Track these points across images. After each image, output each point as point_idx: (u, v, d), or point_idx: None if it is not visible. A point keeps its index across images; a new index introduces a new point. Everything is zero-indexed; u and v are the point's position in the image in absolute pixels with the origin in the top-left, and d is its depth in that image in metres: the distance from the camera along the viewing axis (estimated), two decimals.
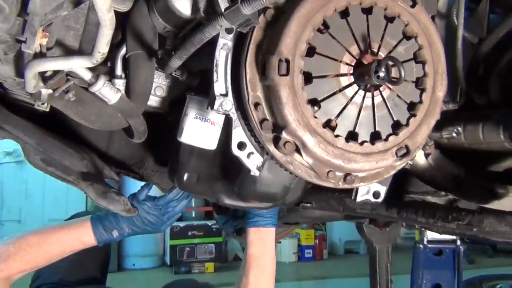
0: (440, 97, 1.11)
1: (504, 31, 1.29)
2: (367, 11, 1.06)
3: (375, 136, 1.07)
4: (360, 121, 1.06)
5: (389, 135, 1.07)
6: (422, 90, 1.09)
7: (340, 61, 1.04)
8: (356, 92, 1.05)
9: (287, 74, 1.00)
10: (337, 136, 1.04)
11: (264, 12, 1.06)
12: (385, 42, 1.07)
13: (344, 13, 1.05)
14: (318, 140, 1.03)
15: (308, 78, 1.02)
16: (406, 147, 1.10)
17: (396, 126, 1.08)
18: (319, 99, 1.03)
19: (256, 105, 1.07)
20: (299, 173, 1.12)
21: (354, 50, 1.05)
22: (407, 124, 1.08)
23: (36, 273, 2.27)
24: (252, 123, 1.08)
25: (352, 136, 1.05)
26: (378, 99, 1.07)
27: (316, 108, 1.03)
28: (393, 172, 1.19)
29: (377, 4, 1.06)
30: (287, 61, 1.00)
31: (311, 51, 1.02)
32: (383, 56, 1.06)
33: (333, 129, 1.03)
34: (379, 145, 1.06)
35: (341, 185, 1.13)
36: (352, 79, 1.05)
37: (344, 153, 1.05)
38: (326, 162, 1.07)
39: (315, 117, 1.02)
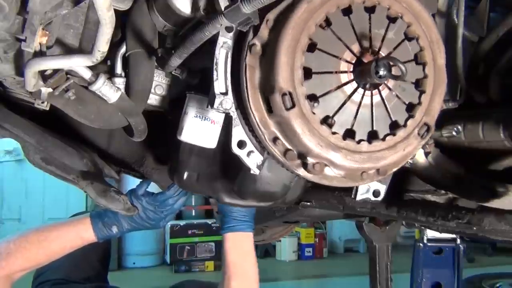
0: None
1: (504, 30, 1.29)
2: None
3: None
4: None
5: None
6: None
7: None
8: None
9: (293, 106, 1.00)
10: (359, 141, 1.05)
11: (250, 49, 1.05)
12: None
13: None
14: (343, 154, 1.05)
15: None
16: (426, 124, 1.11)
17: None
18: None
19: (275, 140, 1.08)
20: (334, 183, 1.14)
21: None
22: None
23: (37, 271, 2.27)
24: (276, 155, 1.10)
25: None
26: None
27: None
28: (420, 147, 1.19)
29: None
30: (290, 93, 1.00)
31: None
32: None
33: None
34: (401, 133, 1.07)
35: (377, 179, 1.18)
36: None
37: (371, 155, 1.07)
38: (357, 169, 1.10)
39: (334, 133, 1.03)
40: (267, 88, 1.04)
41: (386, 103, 1.07)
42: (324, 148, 1.04)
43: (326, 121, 1.03)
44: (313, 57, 1.03)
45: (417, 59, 1.10)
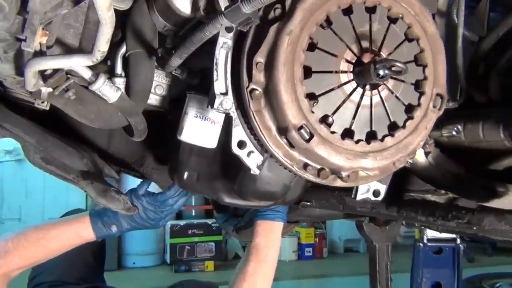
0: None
1: (504, 30, 1.29)
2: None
3: (394, 127, 1.09)
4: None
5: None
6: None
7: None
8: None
9: (312, 136, 1.02)
10: (382, 139, 1.06)
11: (251, 95, 1.05)
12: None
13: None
14: (372, 157, 1.07)
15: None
16: (439, 95, 1.13)
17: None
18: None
19: (305, 166, 1.11)
20: (371, 180, 1.19)
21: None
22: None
23: (33, 272, 2.26)
24: (310, 178, 1.13)
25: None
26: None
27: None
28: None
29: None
30: (304, 125, 1.02)
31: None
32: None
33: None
34: (418, 113, 1.09)
35: (409, 160, 1.21)
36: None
37: (398, 146, 1.09)
38: (389, 164, 1.12)
39: (357, 142, 1.05)
40: (281, 128, 1.06)
41: (394, 92, 1.08)
42: (353, 159, 1.06)
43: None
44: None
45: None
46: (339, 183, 1.14)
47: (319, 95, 1.03)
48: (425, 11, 1.12)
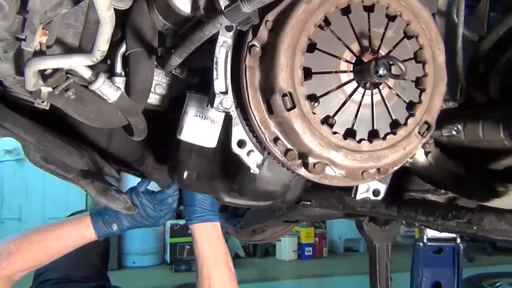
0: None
1: (504, 29, 1.29)
2: (369, 9, 1.06)
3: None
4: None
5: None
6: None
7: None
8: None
9: (294, 106, 1.01)
10: (360, 140, 1.05)
11: (250, 50, 1.05)
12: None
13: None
14: (344, 153, 1.06)
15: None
16: (427, 122, 1.12)
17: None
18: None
19: (276, 140, 1.08)
20: (335, 183, 1.14)
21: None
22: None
23: (38, 270, 2.27)
24: (277, 155, 1.10)
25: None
26: (377, 97, 1.07)
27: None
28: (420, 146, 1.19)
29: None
30: (290, 94, 1.01)
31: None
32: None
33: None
34: (401, 132, 1.08)
35: (378, 178, 1.18)
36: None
37: (372, 154, 1.07)
38: (358, 168, 1.11)
39: (335, 133, 1.03)
40: (267, 89, 1.04)
41: (386, 102, 1.07)
42: (325, 148, 1.04)
43: (327, 121, 1.04)
44: (313, 57, 1.03)
45: (417, 57, 1.10)
46: (302, 172, 1.11)
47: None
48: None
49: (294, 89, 1.01)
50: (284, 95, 1.01)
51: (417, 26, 1.09)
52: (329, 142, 1.04)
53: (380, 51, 1.06)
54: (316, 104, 1.03)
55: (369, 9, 1.06)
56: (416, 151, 1.18)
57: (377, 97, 1.07)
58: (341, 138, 1.04)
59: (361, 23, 1.06)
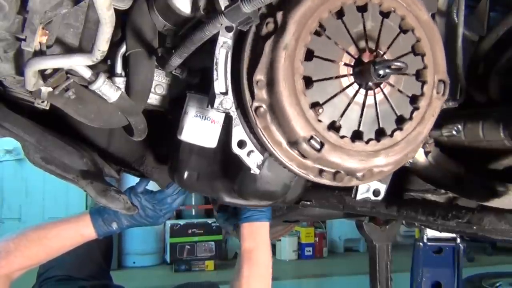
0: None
1: (504, 29, 1.29)
2: (362, 8, 1.06)
3: (401, 120, 1.08)
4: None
5: (394, 130, 1.07)
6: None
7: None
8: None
9: (322, 144, 1.03)
10: (392, 134, 1.06)
11: (256, 113, 1.05)
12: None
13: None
14: (384, 154, 1.08)
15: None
16: (441, 81, 1.13)
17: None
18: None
19: (321, 172, 1.12)
20: (387, 173, 1.19)
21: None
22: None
23: (42, 268, 2.28)
24: (327, 183, 1.13)
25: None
26: (379, 96, 1.07)
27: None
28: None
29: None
30: (313, 136, 1.02)
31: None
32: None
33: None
34: (422, 103, 1.09)
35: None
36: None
37: (408, 138, 1.09)
38: (402, 156, 1.13)
39: (367, 142, 1.05)
40: (291, 141, 1.06)
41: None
42: (365, 160, 1.07)
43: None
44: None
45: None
46: (354, 183, 1.15)
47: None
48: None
49: (314, 130, 1.02)
50: (309, 140, 1.02)
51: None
52: (367, 153, 1.06)
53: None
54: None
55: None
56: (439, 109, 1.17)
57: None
58: (375, 143, 1.05)
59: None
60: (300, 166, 1.11)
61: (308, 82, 1.02)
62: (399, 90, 1.08)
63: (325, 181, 1.13)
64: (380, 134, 1.07)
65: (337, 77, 1.03)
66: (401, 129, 1.07)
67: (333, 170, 1.11)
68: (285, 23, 1.01)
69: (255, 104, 1.04)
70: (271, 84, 1.02)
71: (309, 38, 1.01)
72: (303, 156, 1.08)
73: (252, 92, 1.04)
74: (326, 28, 1.03)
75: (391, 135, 1.07)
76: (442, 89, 1.13)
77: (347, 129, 1.05)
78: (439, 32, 1.14)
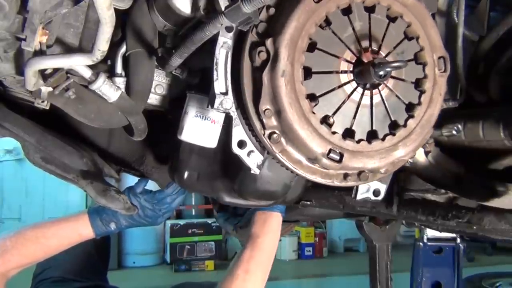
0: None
1: (504, 29, 1.29)
2: (370, 9, 1.06)
3: (410, 108, 1.09)
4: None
5: (386, 135, 1.08)
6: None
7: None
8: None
9: (342, 156, 1.05)
10: (405, 123, 1.07)
11: (270, 138, 1.07)
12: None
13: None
14: (402, 145, 1.09)
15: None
16: (441, 57, 1.13)
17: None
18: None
19: (345, 176, 1.15)
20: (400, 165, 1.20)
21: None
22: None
23: (38, 269, 2.28)
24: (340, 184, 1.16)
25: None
26: (377, 98, 1.07)
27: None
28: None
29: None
30: (331, 150, 1.04)
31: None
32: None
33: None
34: (427, 85, 1.10)
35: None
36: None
37: (421, 125, 1.10)
38: (420, 142, 1.14)
39: (383, 139, 1.06)
40: (311, 159, 1.08)
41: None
42: (386, 157, 1.08)
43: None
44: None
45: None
46: (379, 176, 1.17)
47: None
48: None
49: (331, 143, 1.03)
50: (328, 154, 1.03)
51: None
52: (386, 149, 1.08)
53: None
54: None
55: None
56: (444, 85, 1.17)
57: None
58: (391, 137, 1.06)
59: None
60: (324, 177, 1.14)
61: (313, 98, 1.03)
62: (401, 79, 1.09)
63: (351, 183, 1.15)
64: (394, 127, 1.08)
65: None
66: (412, 116, 1.08)
67: (356, 171, 1.13)
68: (277, 49, 1.01)
69: (267, 132, 1.06)
70: (278, 112, 1.03)
71: (303, 57, 1.02)
72: (325, 168, 1.10)
73: (262, 122, 1.06)
74: (317, 41, 1.03)
75: (405, 125, 1.08)
76: (443, 65, 1.13)
77: (361, 132, 1.06)
78: (426, 9, 1.13)
